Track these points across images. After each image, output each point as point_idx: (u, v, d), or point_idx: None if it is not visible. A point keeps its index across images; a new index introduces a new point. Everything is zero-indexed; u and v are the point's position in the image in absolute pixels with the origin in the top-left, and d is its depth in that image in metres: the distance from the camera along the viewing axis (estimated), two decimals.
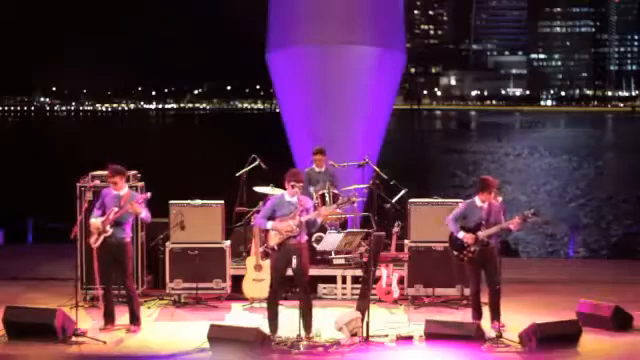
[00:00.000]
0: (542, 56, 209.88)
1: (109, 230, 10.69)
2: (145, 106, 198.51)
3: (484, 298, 10.86)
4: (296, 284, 10.59)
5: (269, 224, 10.37)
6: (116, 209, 10.71)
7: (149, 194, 10.92)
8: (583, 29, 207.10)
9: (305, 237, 10.45)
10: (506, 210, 11.10)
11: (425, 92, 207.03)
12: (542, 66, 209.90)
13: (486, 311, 10.80)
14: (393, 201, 13.14)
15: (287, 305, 11.73)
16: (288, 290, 12.05)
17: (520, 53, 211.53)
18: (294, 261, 10.22)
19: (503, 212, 10.85)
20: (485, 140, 79.86)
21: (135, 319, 10.84)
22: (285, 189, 10.54)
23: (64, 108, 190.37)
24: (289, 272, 10.39)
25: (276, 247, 10.36)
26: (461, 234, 10.64)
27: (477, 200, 10.70)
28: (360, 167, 13.67)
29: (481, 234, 10.57)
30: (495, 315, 10.66)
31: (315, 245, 12.49)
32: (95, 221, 10.75)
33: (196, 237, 12.27)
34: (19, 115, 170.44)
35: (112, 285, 10.91)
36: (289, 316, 10.98)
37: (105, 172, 11.28)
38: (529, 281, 13.17)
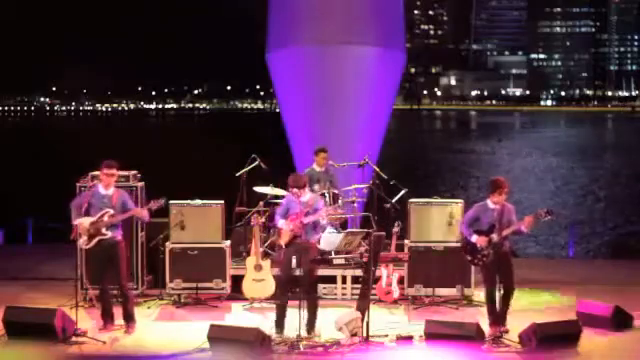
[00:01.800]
0: (542, 56, 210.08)
1: (107, 233, 10.65)
2: (145, 106, 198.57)
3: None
4: (300, 284, 10.61)
5: (280, 222, 10.64)
6: (111, 211, 10.65)
7: (162, 202, 10.89)
8: (583, 29, 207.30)
9: (315, 237, 10.52)
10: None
11: (425, 92, 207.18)
12: (542, 66, 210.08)
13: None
14: (393, 201, 13.13)
15: (287, 305, 11.73)
16: (289, 290, 12.06)
17: (520, 53, 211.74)
18: (293, 261, 10.28)
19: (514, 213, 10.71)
20: (485, 140, 79.83)
21: (130, 318, 10.81)
22: (287, 190, 10.67)
23: (64, 108, 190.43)
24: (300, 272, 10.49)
25: (284, 245, 10.53)
26: (474, 237, 10.47)
27: (489, 202, 10.54)
28: (360, 167, 13.67)
29: (494, 236, 10.44)
30: (502, 320, 10.53)
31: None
32: (83, 222, 10.61)
33: (196, 237, 12.27)
34: (19, 115, 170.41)
35: (109, 285, 10.88)
36: (289, 316, 10.99)
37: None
38: (529, 281, 13.16)
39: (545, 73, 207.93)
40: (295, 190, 10.51)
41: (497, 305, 10.54)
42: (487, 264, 10.49)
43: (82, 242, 10.70)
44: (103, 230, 10.62)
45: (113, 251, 10.68)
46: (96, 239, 10.64)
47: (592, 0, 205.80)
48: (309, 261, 10.40)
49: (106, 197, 10.71)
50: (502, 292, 10.52)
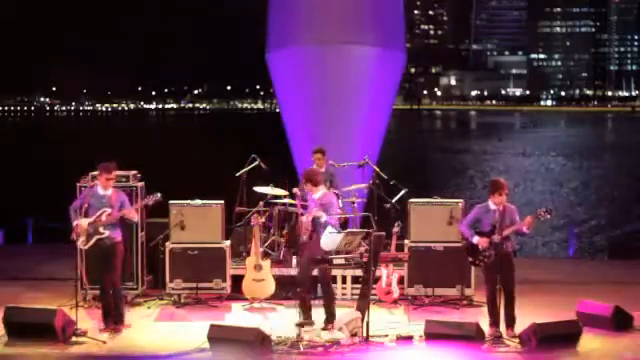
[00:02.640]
0: (542, 56, 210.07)
1: (105, 232, 10.67)
2: (145, 106, 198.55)
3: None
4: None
5: (303, 218, 10.93)
6: (109, 210, 10.67)
7: (158, 196, 10.95)
8: (583, 29, 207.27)
9: (315, 235, 10.65)
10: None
11: (425, 92, 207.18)
12: (542, 66, 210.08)
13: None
14: (393, 201, 13.13)
15: (287, 305, 11.75)
16: (288, 290, 12.08)
17: (520, 53, 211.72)
18: (294, 260, 10.37)
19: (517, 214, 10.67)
20: (486, 140, 79.83)
21: (120, 319, 10.82)
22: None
23: (64, 108, 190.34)
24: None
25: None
26: (475, 239, 10.44)
27: (490, 203, 10.51)
28: (360, 167, 13.67)
29: (495, 237, 10.41)
30: (510, 322, 10.49)
31: None
32: (81, 223, 10.65)
33: (196, 237, 12.27)
34: (19, 115, 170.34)
35: (108, 286, 10.90)
36: (289, 316, 10.99)
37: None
38: (529, 281, 13.16)
39: (545, 73, 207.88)
40: (307, 186, 10.61)
41: (498, 306, 10.54)
42: (488, 265, 10.47)
43: (81, 243, 10.72)
44: (101, 229, 10.64)
45: (111, 251, 10.71)
46: (94, 239, 10.66)
47: (592, 0, 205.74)
48: (302, 260, 10.47)
49: (105, 197, 10.74)
50: (503, 294, 10.52)
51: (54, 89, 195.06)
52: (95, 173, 11.89)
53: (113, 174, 10.83)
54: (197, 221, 12.29)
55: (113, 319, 10.81)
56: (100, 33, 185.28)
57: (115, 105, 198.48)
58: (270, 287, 11.90)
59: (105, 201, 10.71)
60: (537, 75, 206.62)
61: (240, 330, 9.96)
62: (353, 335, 10.13)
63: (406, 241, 12.37)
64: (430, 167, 50.12)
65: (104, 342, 10.21)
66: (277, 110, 17.02)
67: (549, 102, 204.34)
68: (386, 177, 13.38)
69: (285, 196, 13.07)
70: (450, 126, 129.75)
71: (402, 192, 13.28)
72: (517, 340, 10.19)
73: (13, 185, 34.30)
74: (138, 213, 11.02)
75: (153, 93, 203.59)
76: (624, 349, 10.16)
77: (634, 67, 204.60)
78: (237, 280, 12.21)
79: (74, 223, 10.71)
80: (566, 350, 9.95)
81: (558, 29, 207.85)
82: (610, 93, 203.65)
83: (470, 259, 10.62)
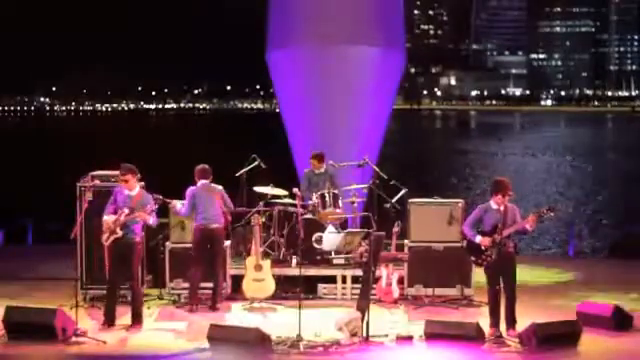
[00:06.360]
0: (542, 56, 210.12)
1: (119, 232, 10.75)
2: (145, 106, 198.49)
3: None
4: None
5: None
6: (127, 211, 10.77)
7: (160, 197, 11.05)
8: (583, 29, 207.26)
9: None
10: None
11: (425, 92, 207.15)
12: (542, 66, 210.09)
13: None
14: (393, 201, 13.13)
15: (287, 305, 11.75)
16: (288, 290, 12.08)
17: (520, 53, 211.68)
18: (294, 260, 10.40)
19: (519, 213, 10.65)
20: (486, 140, 79.81)
21: (137, 318, 10.88)
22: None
23: (64, 108, 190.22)
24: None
25: None
26: (478, 238, 10.42)
27: (492, 203, 10.51)
28: (360, 167, 13.67)
29: (497, 236, 10.38)
30: (511, 322, 10.49)
31: (315, 245, 12.51)
32: (108, 219, 10.88)
33: None
34: (19, 115, 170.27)
35: (117, 285, 10.95)
36: (289, 316, 10.99)
37: (104, 172, 11.36)
38: (529, 281, 13.16)
39: (545, 73, 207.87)
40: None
41: (499, 306, 10.53)
42: (491, 264, 10.46)
43: (104, 239, 10.90)
44: (117, 229, 10.74)
45: (128, 252, 10.85)
46: (112, 237, 10.80)
47: (592, 0, 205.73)
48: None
49: (128, 197, 10.93)
50: (505, 294, 10.51)
51: (54, 89, 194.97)
52: (95, 173, 12.01)
53: (127, 176, 10.96)
54: None
55: (112, 319, 10.83)
56: (100, 33, 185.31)
57: (115, 105, 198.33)
58: (270, 287, 11.90)
59: (128, 201, 10.88)
60: (537, 75, 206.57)
61: (240, 330, 9.97)
62: (353, 335, 10.13)
63: (406, 241, 12.37)
64: (431, 167, 50.11)
65: (104, 342, 10.21)
66: (277, 110, 17.02)
67: (549, 102, 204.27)
68: (386, 177, 13.38)
69: (285, 196, 13.09)
70: (450, 126, 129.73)
71: (402, 192, 13.28)
72: (517, 340, 10.20)
73: (13, 185, 34.28)
74: (152, 216, 11.02)
75: (153, 93, 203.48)
76: (624, 349, 10.17)
77: (634, 67, 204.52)
78: (237, 280, 12.21)
79: (103, 218, 10.93)
80: (566, 350, 9.95)
81: (558, 29, 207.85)
82: (610, 93, 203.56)
83: (472, 259, 10.62)
